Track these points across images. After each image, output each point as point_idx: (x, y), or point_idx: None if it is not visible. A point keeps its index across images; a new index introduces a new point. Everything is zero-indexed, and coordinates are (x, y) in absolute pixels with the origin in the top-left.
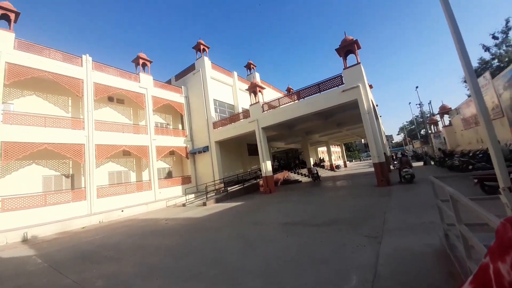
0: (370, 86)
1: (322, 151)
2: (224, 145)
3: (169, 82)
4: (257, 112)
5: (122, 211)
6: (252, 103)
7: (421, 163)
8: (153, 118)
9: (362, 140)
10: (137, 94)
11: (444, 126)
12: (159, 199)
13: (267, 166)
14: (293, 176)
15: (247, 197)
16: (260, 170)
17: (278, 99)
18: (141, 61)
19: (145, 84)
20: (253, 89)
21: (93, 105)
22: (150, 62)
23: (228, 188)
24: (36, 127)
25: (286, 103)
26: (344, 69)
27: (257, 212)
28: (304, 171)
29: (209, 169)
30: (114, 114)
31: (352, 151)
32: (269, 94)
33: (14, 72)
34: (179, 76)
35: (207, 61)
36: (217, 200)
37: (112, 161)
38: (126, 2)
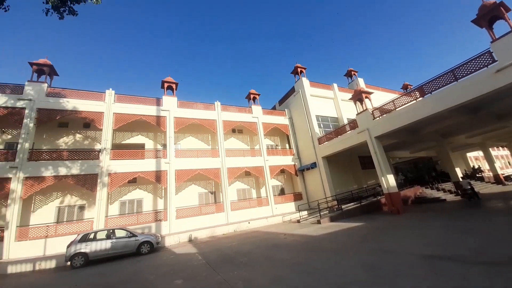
0: None
1: (474, 157)
2: (333, 160)
3: (274, 108)
4: (367, 121)
5: (249, 223)
6: (359, 111)
7: None
8: (265, 141)
9: None
10: (251, 123)
11: None
12: (276, 214)
13: (388, 180)
14: (430, 193)
15: (367, 217)
16: (380, 186)
17: (393, 100)
18: (252, 96)
19: (256, 114)
20: (358, 97)
21: (223, 137)
22: (259, 95)
23: (343, 206)
24: (192, 158)
25: (405, 103)
26: (492, 41)
27: (383, 236)
28: (448, 185)
29: (319, 185)
30: (236, 142)
31: None
32: (379, 97)
33: (179, 123)
34: (282, 101)
35: (305, 81)
36: (332, 219)
37: (238, 180)
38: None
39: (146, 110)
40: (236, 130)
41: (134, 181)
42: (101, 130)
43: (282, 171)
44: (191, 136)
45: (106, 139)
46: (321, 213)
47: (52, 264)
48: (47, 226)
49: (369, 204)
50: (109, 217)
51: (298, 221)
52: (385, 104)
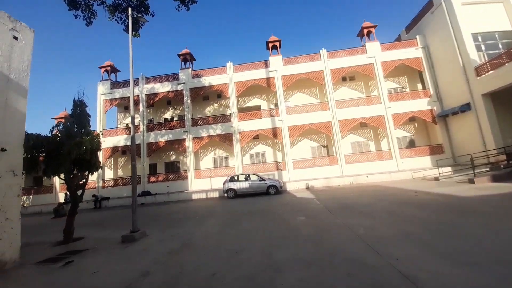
0: None
1: None
2: (502, 97)
3: (398, 39)
4: None
5: (367, 176)
6: None
7: None
8: (385, 85)
9: None
10: (365, 66)
11: None
12: (402, 170)
13: None
14: None
15: None
16: None
17: None
18: (365, 31)
19: (372, 52)
20: None
21: (332, 88)
22: (375, 26)
23: None
24: (302, 114)
25: None
26: None
27: None
28: None
29: (475, 134)
30: (348, 92)
31: None
32: None
33: (286, 80)
34: (410, 27)
35: None
36: (495, 178)
37: (352, 133)
38: None
39: (257, 74)
40: (347, 77)
41: (257, 137)
42: (228, 98)
43: (412, 119)
44: (299, 92)
45: (233, 104)
46: (476, 171)
47: (216, 194)
48: (210, 169)
49: None
50: (244, 165)
51: (437, 179)
52: None
